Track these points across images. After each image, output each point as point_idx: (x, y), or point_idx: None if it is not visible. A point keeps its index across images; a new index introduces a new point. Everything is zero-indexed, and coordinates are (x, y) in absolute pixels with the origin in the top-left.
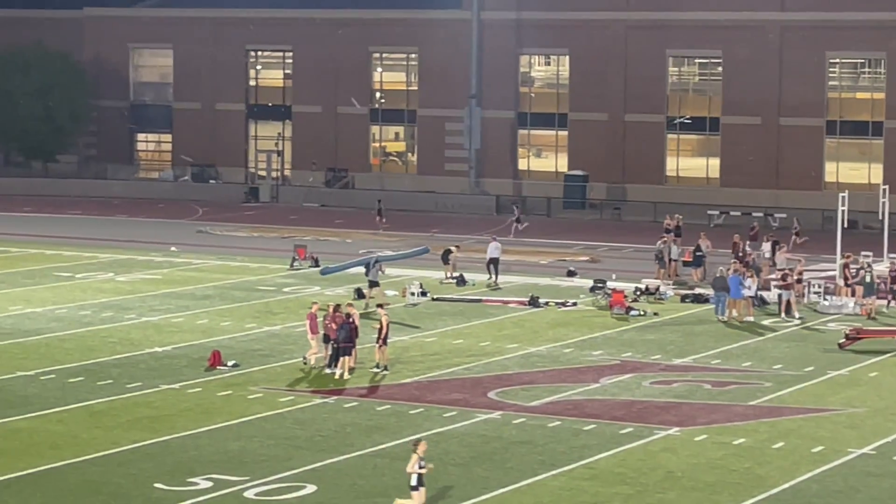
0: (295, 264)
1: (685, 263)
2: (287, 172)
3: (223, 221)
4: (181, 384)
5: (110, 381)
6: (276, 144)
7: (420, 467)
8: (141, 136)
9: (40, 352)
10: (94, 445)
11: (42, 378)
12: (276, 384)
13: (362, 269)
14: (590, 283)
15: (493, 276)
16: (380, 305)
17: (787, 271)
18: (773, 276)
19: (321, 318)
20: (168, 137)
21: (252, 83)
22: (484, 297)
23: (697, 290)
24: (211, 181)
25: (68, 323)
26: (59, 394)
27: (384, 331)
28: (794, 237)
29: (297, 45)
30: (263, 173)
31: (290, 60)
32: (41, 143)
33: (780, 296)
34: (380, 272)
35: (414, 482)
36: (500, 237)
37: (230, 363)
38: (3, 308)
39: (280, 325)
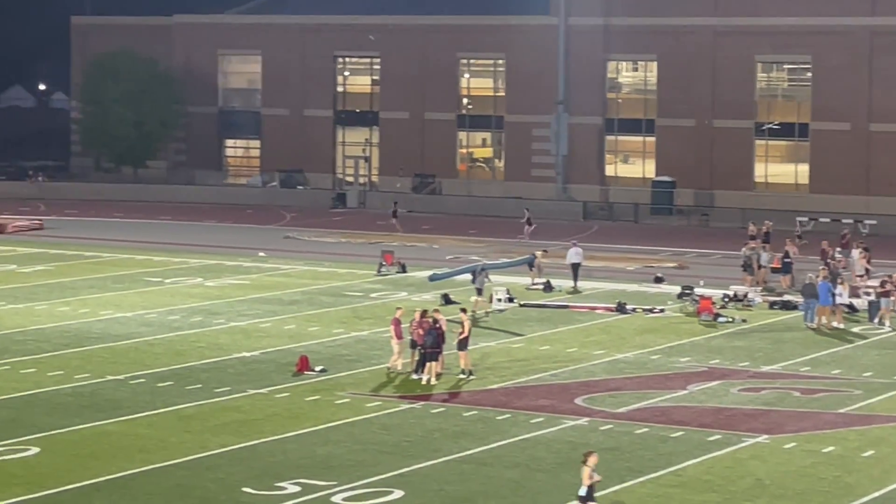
0: (382, 270)
1: (774, 270)
2: (374, 178)
3: (311, 227)
4: (269, 389)
5: (199, 385)
6: (364, 150)
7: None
8: (230, 142)
9: (130, 356)
10: (183, 449)
11: (132, 382)
12: (363, 389)
13: (469, 277)
14: (677, 289)
15: (574, 281)
16: (463, 310)
17: (885, 278)
18: (861, 282)
19: (406, 324)
20: (256, 143)
21: (340, 89)
22: (571, 304)
23: (786, 297)
24: (299, 187)
25: (158, 328)
26: (148, 398)
27: (464, 335)
28: (796, 238)
29: (384, 52)
30: (351, 179)
31: (378, 67)
32: (131, 149)
33: (871, 303)
34: (486, 280)
35: (583, 493)
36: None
37: (318, 368)
38: (94, 313)
39: (367, 330)
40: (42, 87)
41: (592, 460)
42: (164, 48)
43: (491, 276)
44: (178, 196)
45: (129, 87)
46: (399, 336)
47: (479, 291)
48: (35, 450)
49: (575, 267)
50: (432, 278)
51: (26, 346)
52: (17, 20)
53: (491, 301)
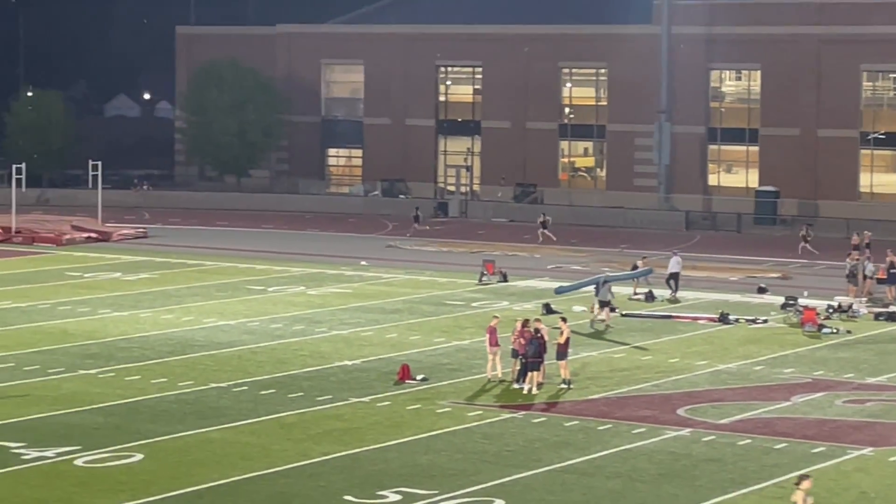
0: (483, 279)
1: (879, 281)
2: (476, 187)
3: (412, 236)
4: (370, 397)
5: (301, 393)
6: (465, 160)
7: None
8: (332, 152)
9: (233, 364)
10: (285, 457)
11: (234, 390)
12: (464, 398)
13: (593, 289)
14: (781, 300)
15: (673, 291)
16: (563, 319)
17: None
18: None
19: (507, 334)
20: (358, 153)
21: (442, 98)
22: (673, 314)
23: (892, 308)
24: (400, 196)
25: (260, 336)
26: (251, 405)
27: (563, 344)
28: (803, 244)
29: (486, 61)
30: (452, 188)
31: (480, 76)
32: (234, 158)
33: None
34: (610, 293)
35: None
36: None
37: (419, 377)
38: (198, 320)
39: (468, 339)
40: (147, 96)
41: (806, 484)
42: (267, 57)
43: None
44: (281, 205)
45: (232, 97)
46: (494, 344)
47: (603, 304)
48: (139, 456)
49: (674, 276)
50: (558, 291)
51: (131, 353)
52: (123, 31)
53: (593, 310)
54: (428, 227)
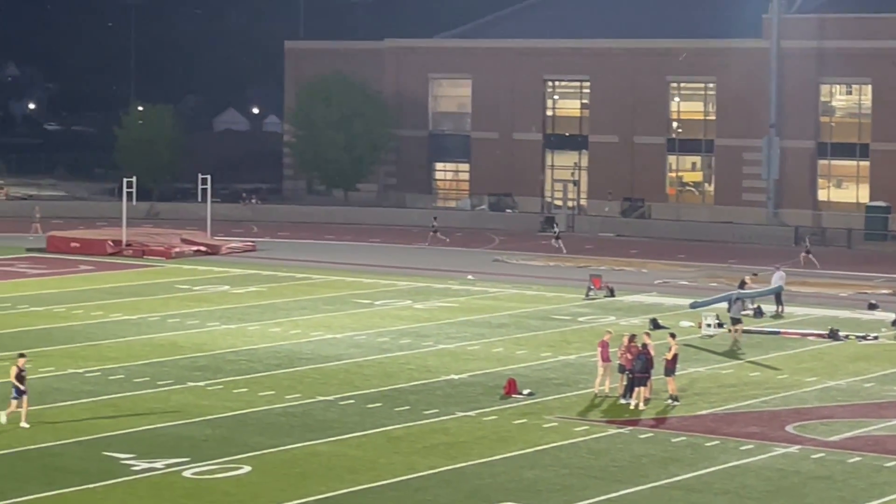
0: (590, 294)
1: None
2: (583, 202)
3: (519, 250)
4: (477, 412)
5: (407, 407)
6: (573, 174)
7: None
8: (439, 166)
9: (340, 377)
10: (392, 471)
11: (341, 403)
12: (570, 413)
13: (725, 305)
14: (892, 316)
15: (779, 306)
16: (672, 335)
17: None
18: None
19: (615, 349)
20: (466, 167)
21: (549, 113)
22: (782, 329)
23: None
24: (507, 210)
25: (367, 349)
26: (357, 419)
27: (671, 360)
28: (804, 254)
29: (594, 75)
30: (559, 203)
31: (588, 90)
32: (342, 172)
33: None
34: (742, 309)
35: None
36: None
37: (525, 391)
38: (305, 333)
39: (575, 354)
40: (255, 110)
41: None
42: (375, 72)
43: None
44: (388, 219)
45: (340, 111)
46: (606, 359)
47: (735, 321)
48: (247, 469)
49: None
50: (693, 306)
51: (239, 366)
52: (233, 45)
53: (700, 326)
54: (446, 239)
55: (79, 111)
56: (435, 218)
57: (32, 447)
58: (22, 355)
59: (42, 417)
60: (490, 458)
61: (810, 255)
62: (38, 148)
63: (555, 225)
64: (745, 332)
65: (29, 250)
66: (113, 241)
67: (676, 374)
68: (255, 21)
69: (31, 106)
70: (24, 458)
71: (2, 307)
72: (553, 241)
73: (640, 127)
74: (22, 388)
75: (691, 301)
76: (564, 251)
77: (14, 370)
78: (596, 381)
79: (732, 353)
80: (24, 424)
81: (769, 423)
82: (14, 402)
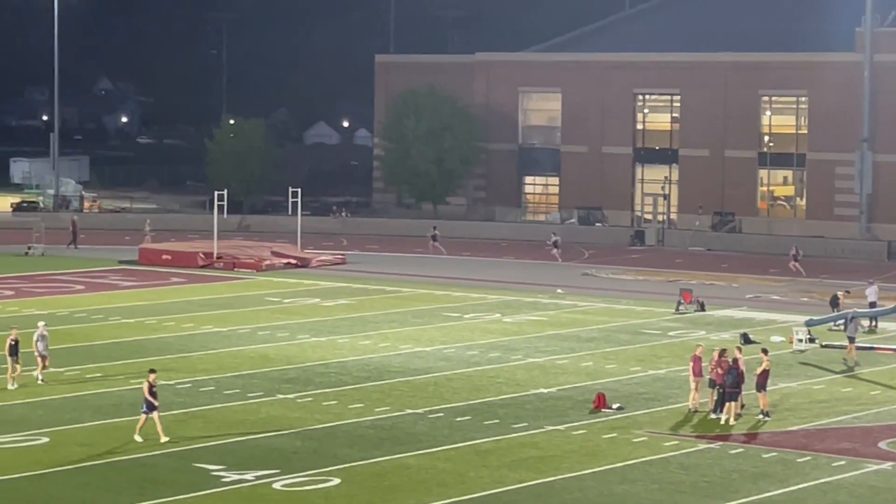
0: (680, 308)
1: None
2: (673, 216)
3: (609, 264)
4: (566, 426)
5: (496, 420)
6: (663, 188)
7: None
8: (528, 179)
9: (429, 390)
10: (480, 484)
11: (430, 416)
12: (660, 428)
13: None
14: None
15: (873, 322)
16: (764, 350)
17: None
18: None
19: (706, 363)
20: (555, 180)
21: (639, 126)
22: (876, 345)
23: None
24: (597, 224)
25: (456, 362)
26: (446, 432)
27: (762, 375)
28: (793, 262)
29: (684, 89)
30: (649, 217)
31: (678, 104)
32: (432, 185)
33: None
34: (859, 328)
35: None
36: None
37: (615, 406)
38: (394, 346)
39: (665, 368)
40: (346, 124)
41: None
42: (465, 85)
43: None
44: (478, 232)
45: (430, 125)
46: (697, 374)
47: (852, 339)
48: (336, 481)
49: (872, 306)
50: (809, 323)
51: (328, 378)
52: (323, 59)
53: (791, 341)
54: (443, 250)
55: (171, 124)
56: (434, 227)
57: (124, 458)
58: (152, 371)
59: (133, 429)
60: (579, 473)
61: (798, 264)
62: (131, 161)
63: (553, 234)
64: (836, 347)
65: (121, 262)
66: (204, 253)
67: (768, 389)
68: (346, 35)
69: (124, 119)
70: (115, 469)
71: (94, 319)
72: (552, 250)
73: (731, 141)
74: (154, 402)
75: (807, 318)
76: (560, 260)
77: (146, 385)
78: (690, 395)
79: (844, 370)
80: (163, 438)
81: (862, 440)
82: (143, 417)
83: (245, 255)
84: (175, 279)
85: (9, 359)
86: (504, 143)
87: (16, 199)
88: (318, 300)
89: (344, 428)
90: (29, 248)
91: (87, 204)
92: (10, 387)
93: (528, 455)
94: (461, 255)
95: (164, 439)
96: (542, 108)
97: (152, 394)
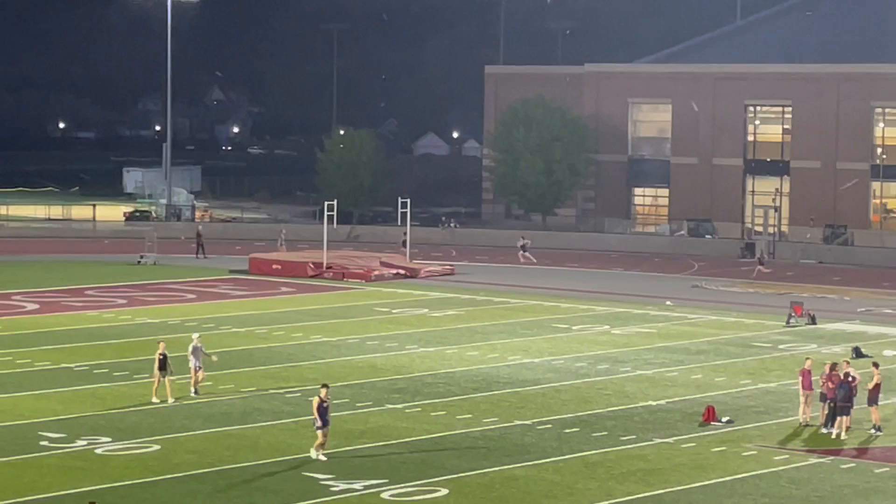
0: (791, 321)
1: None
2: (784, 228)
3: (718, 277)
4: (675, 438)
5: (605, 432)
6: (774, 200)
7: None
8: (638, 191)
9: (537, 402)
10: (589, 496)
11: (539, 427)
12: (770, 442)
13: None
14: None
15: None
16: (875, 364)
17: None
18: None
19: (816, 377)
20: (665, 192)
21: (750, 138)
22: None
23: None
24: (707, 236)
25: (564, 374)
26: (555, 443)
27: (874, 389)
28: (758, 267)
29: (796, 100)
30: (760, 229)
31: (790, 115)
32: (541, 196)
33: None
34: None
35: None
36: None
37: (724, 419)
38: (503, 357)
39: (775, 382)
40: (455, 135)
41: None
42: (574, 97)
43: None
44: (587, 243)
45: (540, 136)
46: (807, 387)
47: None
48: (444, 491)
49: None
50: None
51: (437, 389)
52: (433, 70)
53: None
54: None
55: (282, 135)
56: (523, 237)
57: (234, 466)
58: (325, 386)
59: (243, 437)
60: (688, 486)
61: (762, 268)
62: (242, 171)
63: (522, 238)
64: None
65: (232, 272)
66: (314, 263)
67: (880, 403)
68: (457, 46)
69: (236, 129)
70: (225, 477)
71: (205, 327)
72: (521, 253)
73: (843, 152)
74: (325, 419)
75: None
76: (534, 260)
77: (316, 400)
78: (800, 409)
79: None
80: (321, 457)
81: None
82: (320, 433)
83: (354, 266)
84: (285, 289)
85: (157, 373)
86: (614, 155)
87: (128, 208)
88: (426, 311)
89: (452, 438)
90: (141, 258)
91: (198, 213)
92: (155, 400)
93: (637, 467)
94: (569, 266)
95: (321, 458)
96: (652, 120)
97: (322, 410)
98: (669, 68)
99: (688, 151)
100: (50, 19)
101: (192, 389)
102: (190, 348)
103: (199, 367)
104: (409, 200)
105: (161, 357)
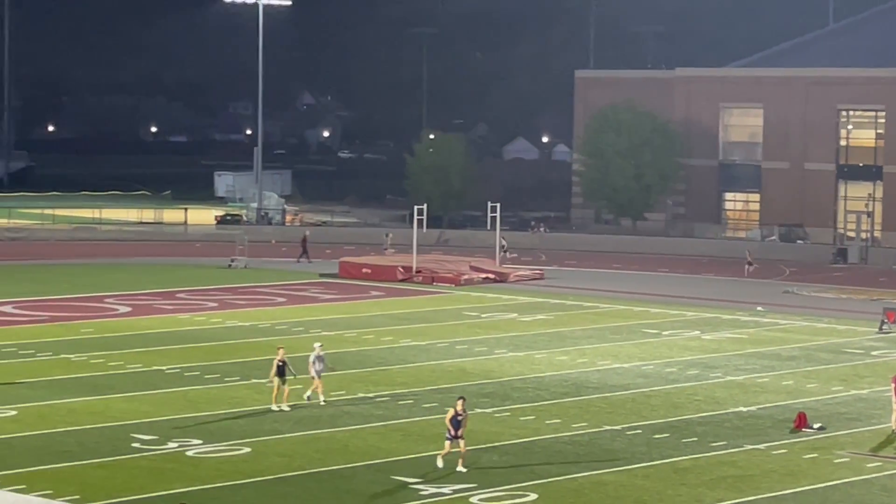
0: (884, 327)
1: None
2: (877, 234)
3: (810, 282)
4: (766, 445)
5: (695, 438)
6: (866, 205)
7: None
8: (729, 196)
9: (627, 407)
10: (679, 502)
11: (628, 433)
12: (862, 449)
13: None
14: None
15: None
16: None
17: None
18: None
19: None
20: (756, 197)
21: (843, 143)
22: None
23: None
24: (798, 241)
25: (654, 379)
26: (644, 449)
27: None
28: (746, 266)
29: (890, 105)
30: (852, 234)
31: (883, 120)
32: (631, 201)
33: None
34: None
35: None
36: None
37: (816, 426)
38: (592, 362)
39: (867, 389)
40: (545, 139)
41: None
42: (665, 101)
43: None
44: (676, 248)
45: (630, 140)
46: None
47: None
48: (533, 496)
49: None
50: None
51: (526, 393)
52: (523, 75)
53: None
54: (394, 250)
55: (371, 139)
56: (387, 234)
57: (324, 469)
58: (461, 398)
59: (333, 441)
60: (779, 493)
61: (751, 267)
62: (332, 175)
63: (502, 240)
64: None
65: (322, 275)
66: (403, 267)
67: None
68: (546, 50)
69: (326, 134)
70: (315, 480)
71: (295, 331)
72: (503, 254)
73: None
74: (457, 432)
75: None
76: (508, 256)
77: (451, 412)
78: (892, 417)
79: None
80: (460, 468)
81: None
82: (448, 444)
83: (444, 270)
84: (374, 293)
85: (276, 380)
86: (704, 159)
87: (220, 212)
88: (515, 315)
89: (541, 443)
90: (232, 261)
91: (288, 217)
92: (274, 408)
93: (727, 474)
94: (659, 271)
95: (460, 468)
96: (743, 124)
97: (455, 422)
98: (761, 72)
99: (779, 156)
100: (142, 25)
101: (307, 395)
102: (312, 357)
103: (321, 375)
104: (498, 205)
105: (280, 364)
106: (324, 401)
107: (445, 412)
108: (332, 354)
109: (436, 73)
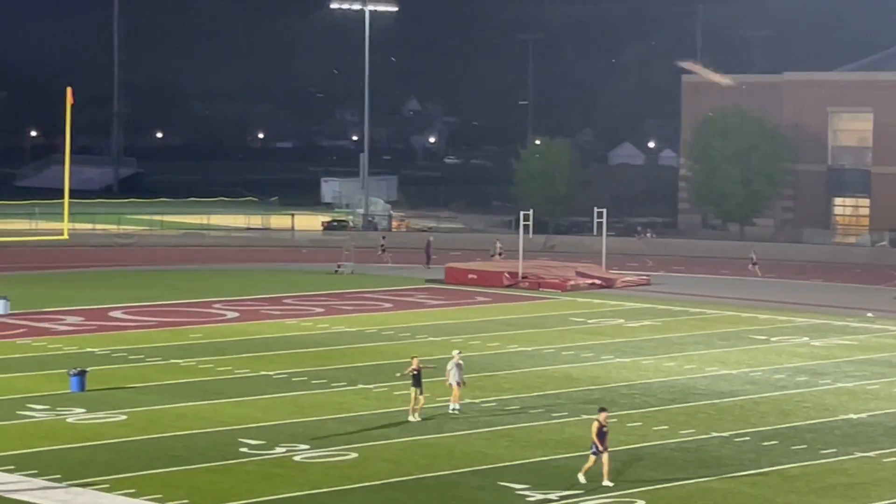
0: None
1: None
2: None
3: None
4: (876, 452)
5: (804, 445)
6: None
7: None
8: (838, 201)
9: (735, 413)
10: None
11: (736, 440)
12: None
13: None
14: None
15: None
16: None
17: None
18: None
19: None
20: (865, 202)
21: None
22: None
23: None
24: None
25: (762, 386)
26: (752, 456)
27: None
28: (751, 266)
29: None
30: None
31: None
32: (738, 206)
33: None
34: None
35: None
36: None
37: None
38: (699, 369)
39: None
40: (651, 144)
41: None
42: (772, 105)
43: None
44: (785, 254)
45: (737, 145)
46: None
47: None
48: (641, 503)
49: None
50: None
51: (633, 399)
52: (629, 80)
53: None
54: (390, 256)
55: (477, 145)
56: (383, 237)
57: (430, 475)
58: (603, 409)
59: (439, 446)
60: (890, 501)
61: (755, 267)
62: (438, 181)
63: (497, 242)
64: None
65: (428, 281)
66: (509, 273)
67: None
68: (652, 55)
69: (432, 140)
70: (422, 486)
71: (402, 336)
72: (495, 256)
73: None
74: (601, 446)
75: None
76: (759, 274)
77: (595, 426)
78: None
79: None
80: (606, 482)
81: None
82: (592, 458)
83: (550, 275)
84: (480, 298)
85: (412, 389)
86: (812, 164)
87: (326, 217)
88: (622, 321)
89: (648, 450)
90: (339, 267)
91: (394, 223)
92: (411, 418)
93: (837, 482)
94: (767, 276)
95: (606, 482)
96: (852, 129)
97: (601, 435)
98: (870, 76)
99: (890, 161)
100: (248, 32)
101: (451, 406)
102: (450, 365)
103: (460, 384)
104: (605, 210)
105: (415, 372)
106: (454, 408)
107: (551, 418)
108: (439, 360)
109: (542, 78)
